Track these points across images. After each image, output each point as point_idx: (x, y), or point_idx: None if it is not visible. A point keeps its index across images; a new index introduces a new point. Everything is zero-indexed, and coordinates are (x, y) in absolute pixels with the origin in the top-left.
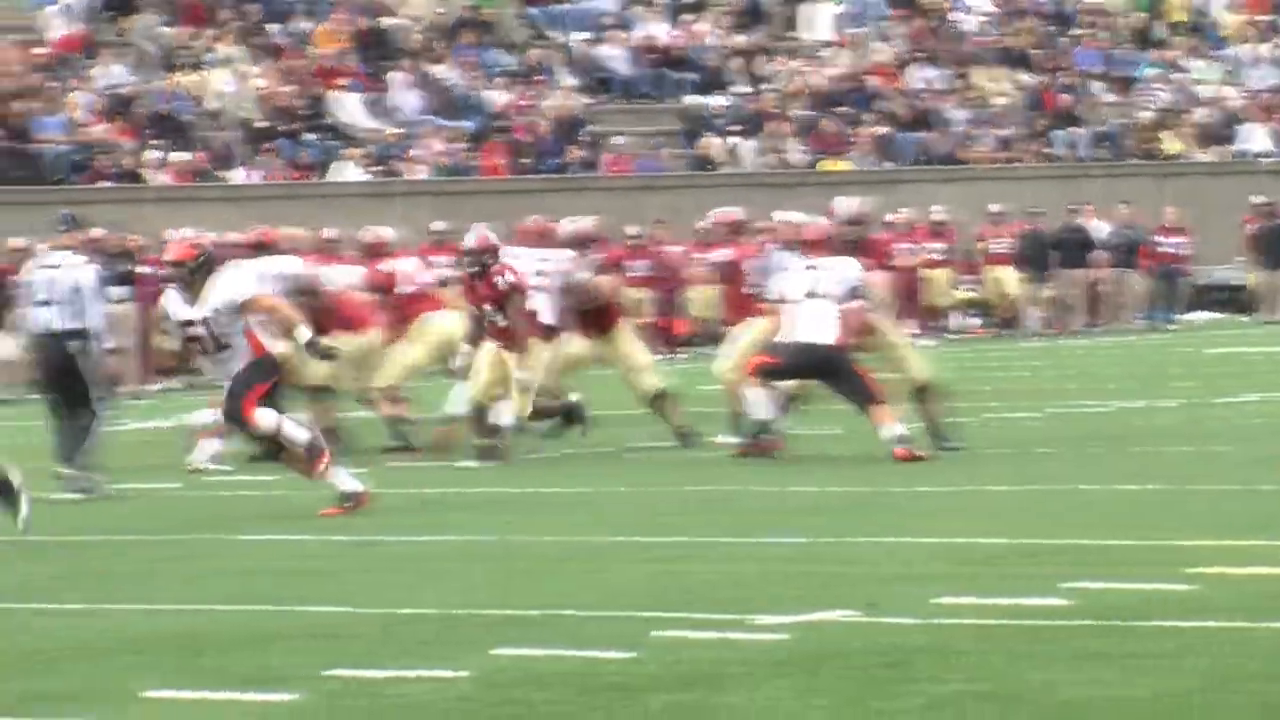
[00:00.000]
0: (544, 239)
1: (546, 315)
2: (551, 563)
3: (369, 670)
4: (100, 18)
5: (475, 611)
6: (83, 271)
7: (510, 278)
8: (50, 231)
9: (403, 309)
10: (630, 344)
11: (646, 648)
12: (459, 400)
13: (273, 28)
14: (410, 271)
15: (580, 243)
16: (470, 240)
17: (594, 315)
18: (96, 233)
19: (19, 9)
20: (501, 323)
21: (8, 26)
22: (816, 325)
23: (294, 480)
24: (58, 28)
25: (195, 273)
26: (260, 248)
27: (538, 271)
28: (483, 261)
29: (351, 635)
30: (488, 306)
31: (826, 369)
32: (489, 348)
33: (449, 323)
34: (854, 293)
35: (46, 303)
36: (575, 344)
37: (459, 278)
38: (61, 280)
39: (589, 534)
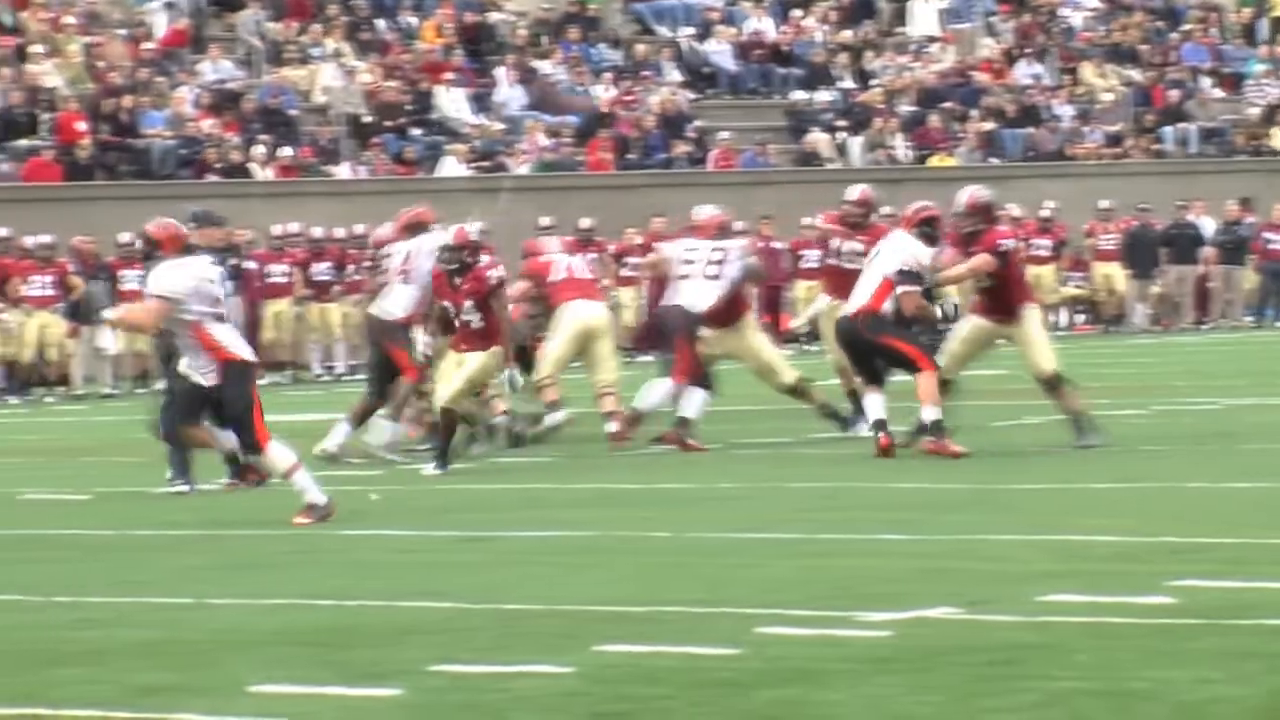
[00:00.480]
0: (720, 231)
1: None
2: (658, 559)
3: (475, 665)
4: (207, 13)
5: (581, 607)
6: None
7: (501, 272)
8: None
9: (550, 297)
10: (758, 338)
11: (751, 644)
12: (648, 396)
13: (379, 23)
14: (559, 260)
15: (724, 227)
16: (449, 236)
17: (724, 306)
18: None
19: (126, 5)
20: (476, 324)
21: (115, 22)
22: (853, 298)
23: (400, 475)
24: (164, 23)
25: (149, 258)
26: (415, 228)
27: (710, 262)
28: (462, 259)
29: (458, 630)
30: (466, 303)
31: (854, 341)
32: (456, 356)
33: (589, 312)
34: (906, 276)
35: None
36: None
37: (437, 276)
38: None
39: (696, 530)
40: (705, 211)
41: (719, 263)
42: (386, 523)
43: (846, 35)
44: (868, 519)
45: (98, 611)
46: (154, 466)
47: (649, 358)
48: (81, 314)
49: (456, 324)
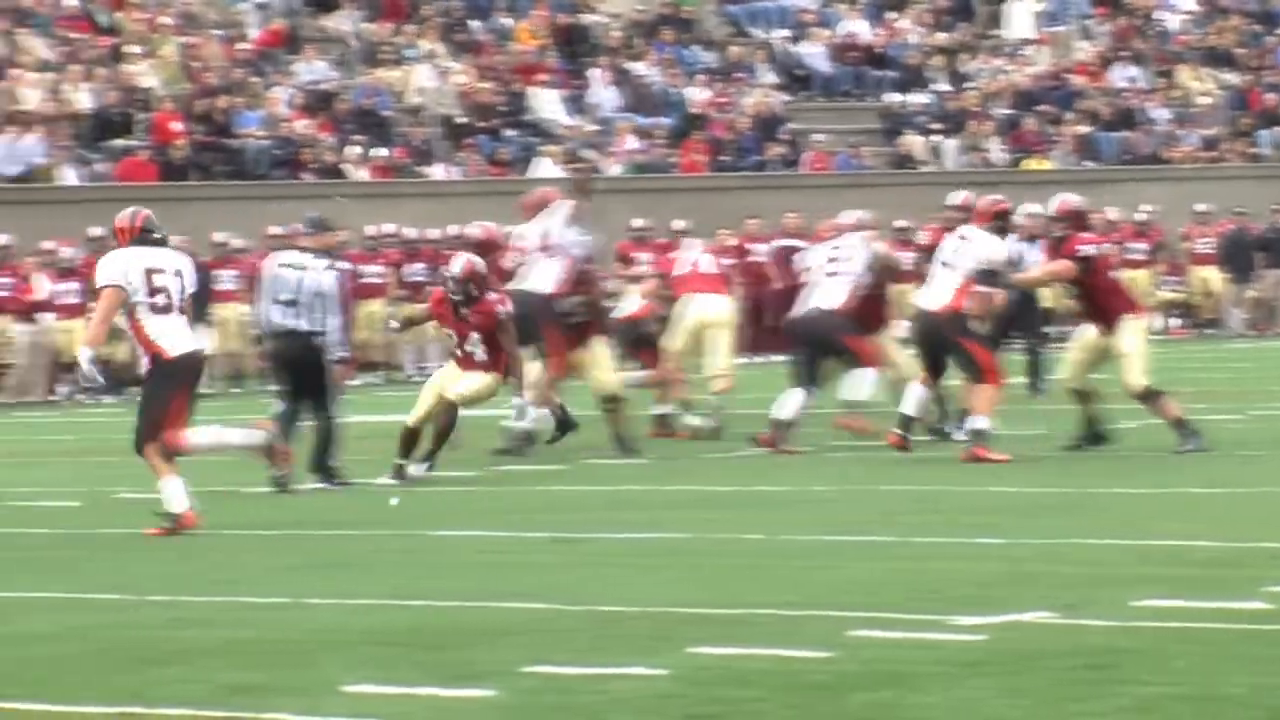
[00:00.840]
0: (839, 233)
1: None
2: (751, 561)
3: (567, 667)
4: (302, 13)
5: (674, 609)
6: (326, 276)
7: (510, 307)
8: (290, 226)
9: (673, 292)
10: (896, 348)
11: (843, 647)
12: (856, 387)
13: (473, 24)
14: (686, 256)
15: (861, 228)
16: (456, 268)
17: (862, 308)
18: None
19: (222, 6)
20: (480, 355)
21: (211, 22)
22: (931, 293)
23: (496, 476)
24: (260, 23)
25: None
26: (543, 205)
27: (830, 259)
28: (468, 291)
29: (551, 631)
30: (473, 334)
31: (932, 337)
32: (447, 373)
33: (708, 306)
34: (984, 275)
35: (292, 303)
36: None
37: (439, 301)
38: (307, 282)
39: (789, 533)
40: (850, 216)
41: (836, 260)
42: (478, 524)
43: (941, 37)
44: (960, 522)
45: (191, 611)
46: (246, 467)
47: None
48: None
49: (458, 353)
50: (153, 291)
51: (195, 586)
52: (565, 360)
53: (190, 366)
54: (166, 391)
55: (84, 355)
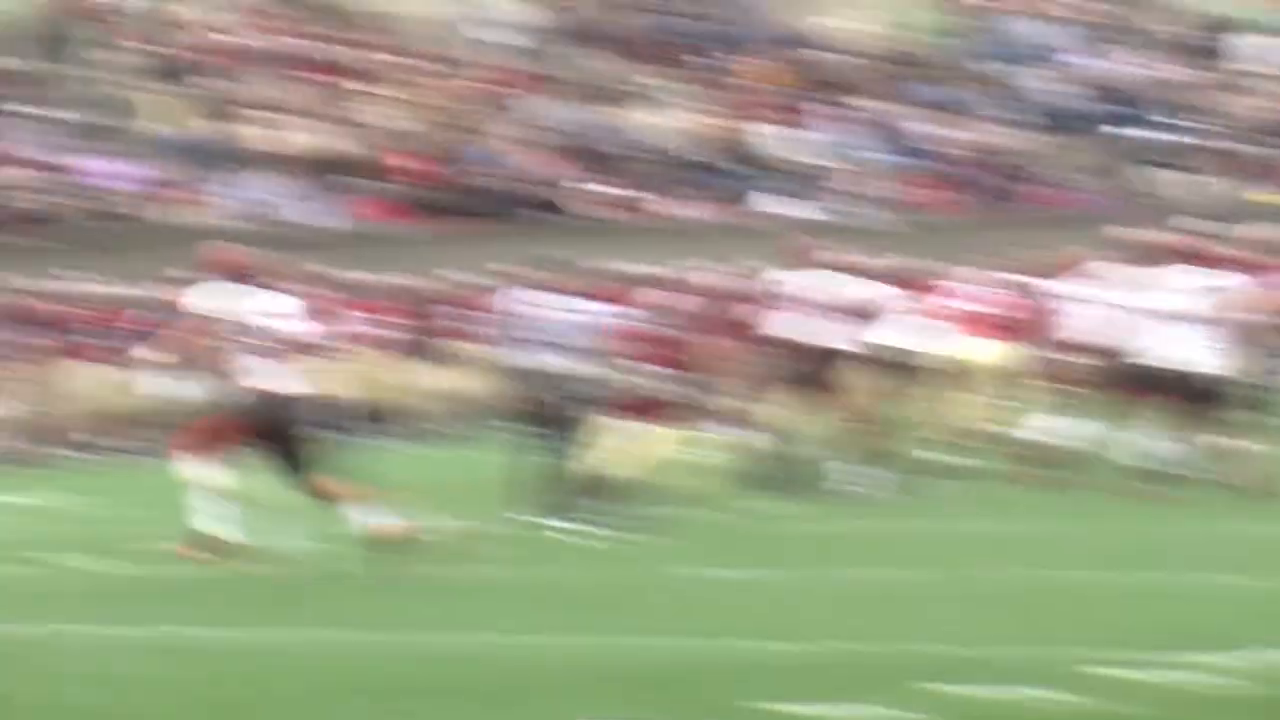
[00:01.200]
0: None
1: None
2: (992, 599)
3: (806, 705)
4: (533, 52)
5: (915, 647)
6: (576, 316)
7: (709, 342)
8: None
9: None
10: None
11: (1083, 687)
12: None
13: (703, 61)
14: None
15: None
16: (650, 305)
17: None
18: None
19: (459, 44)
20: (664, 393)
21: (448, 61)
22: (1192, 352)
23: (736, 512)
24: (492, 62)
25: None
26: (804, 256)
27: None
28: (662, 329)
29: (776, 669)
30: (662, 370)
31: (1193, 396)
32: (615, 430)
33: (972, 350)
34: (1211, 306)
35: (536, 342)
36: None
37: (632, 337)
38: (558, 322)
39: (1031, 570)
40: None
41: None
42: (719, 561)
43: (1175, 72)
44: (1201, 558)
45: (433, 649)
46: (485, 504)
47: None
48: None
49: (639, 388)
50: (242, 330)
51: (433, 623)
52: (835, 400)
53: (268, 406)
54: (218, 409)
55: (148, 358)
